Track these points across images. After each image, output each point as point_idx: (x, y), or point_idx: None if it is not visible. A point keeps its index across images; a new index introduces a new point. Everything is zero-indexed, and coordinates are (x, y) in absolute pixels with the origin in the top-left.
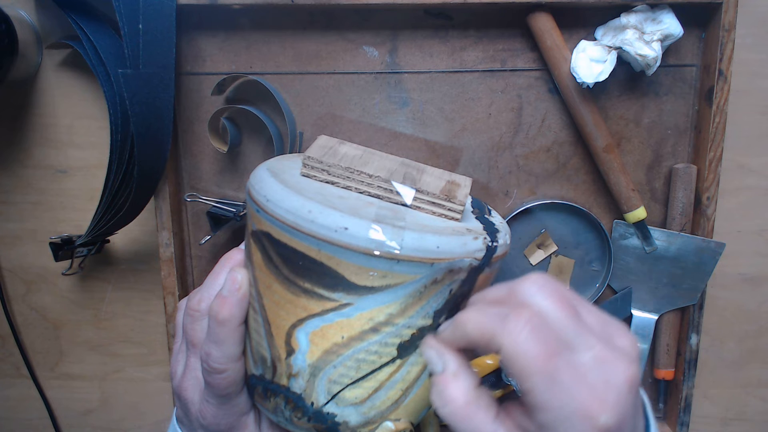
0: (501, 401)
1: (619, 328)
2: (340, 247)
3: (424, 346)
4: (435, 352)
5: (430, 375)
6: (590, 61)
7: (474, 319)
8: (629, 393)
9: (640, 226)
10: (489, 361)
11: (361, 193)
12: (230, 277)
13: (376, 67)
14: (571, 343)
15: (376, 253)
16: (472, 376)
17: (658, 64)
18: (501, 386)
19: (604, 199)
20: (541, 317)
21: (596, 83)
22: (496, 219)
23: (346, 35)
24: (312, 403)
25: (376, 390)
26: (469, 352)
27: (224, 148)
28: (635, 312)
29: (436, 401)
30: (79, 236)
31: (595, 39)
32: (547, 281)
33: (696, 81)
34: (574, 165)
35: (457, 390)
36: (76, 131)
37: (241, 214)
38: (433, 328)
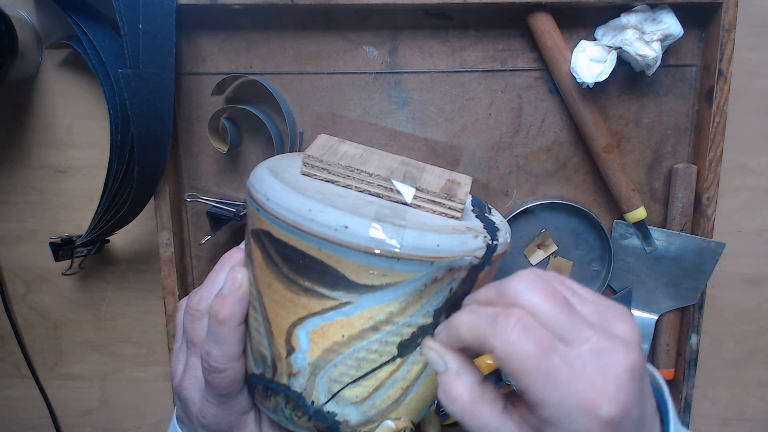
0: (508, 395)
1: (617, 314)
2: (340, 246)
3: (424, 348)
4: (435, 353)
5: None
6: (590, 61)
7: (466, 322)
8: (630, 381)
9: (640, 226)
10: (489, 361)
11: (361, 191)
12: (230, 276)
13: (376, 67)
14: (566, 337)
15: (377, 251)
16: (475, 372)
17: (658, 64)
18: (504, 384)
19: (604, 199)
20: (531, 315)
21: (596, 83)
22: (497, 218)
23: (346, 35)
24: (312, 402)
25: (376, 389)
26: (470, 350)
27: (224, 148)
28: (635, 312)
29: (443, 400)
30: (79, 236)
31: (595, 39)
32: (536, 277)
33: (696, 81)
34: (574, 165)
35: (461, 387)
36: (76, 131)
37: (241, 214)
38: (434, 326)
